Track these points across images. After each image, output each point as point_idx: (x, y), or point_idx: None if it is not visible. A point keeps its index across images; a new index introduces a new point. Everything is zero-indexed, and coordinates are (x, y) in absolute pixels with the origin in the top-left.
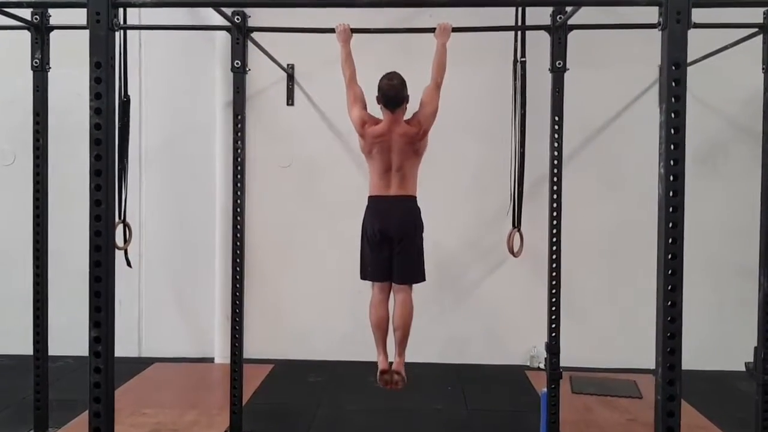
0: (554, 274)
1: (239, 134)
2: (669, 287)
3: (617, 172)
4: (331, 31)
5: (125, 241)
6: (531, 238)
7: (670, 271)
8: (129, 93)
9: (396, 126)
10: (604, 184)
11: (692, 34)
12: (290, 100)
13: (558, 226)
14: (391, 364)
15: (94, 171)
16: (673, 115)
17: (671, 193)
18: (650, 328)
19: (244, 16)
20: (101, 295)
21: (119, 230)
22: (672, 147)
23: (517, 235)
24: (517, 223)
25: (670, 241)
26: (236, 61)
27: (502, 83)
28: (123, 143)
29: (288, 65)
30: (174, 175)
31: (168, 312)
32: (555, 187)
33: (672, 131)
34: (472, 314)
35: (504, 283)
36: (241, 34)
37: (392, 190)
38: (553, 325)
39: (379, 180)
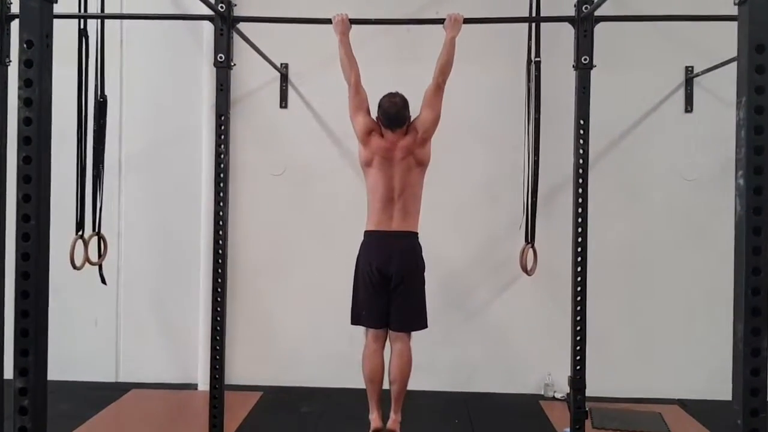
0: (579, 298)
1: (223, 137)
2: (750, 330)
3: (639, 182)
4: (328, 22)
5: (100, 255)
6: (545, 254)
7: (752, 310)
8: (106, 93)
9: (398, 139)
10: (625, 195)
11: None
12: (284, 102)
13: (584, 243)
14: (386, 421)
15: (22, 177)
16: (755, 112)
17: (754, 211)
18: (675, 353)
19: (230, 4)
20: (28, 326)
21: (93, 243)
22: (754, 152)
23: (530, 251)
24: (530, 238)
25: (752, 271)
26: (220, 55)
27: (514, 85)
28: (99, 147)
29: (281, 64)
30: (156, 182)
31: (148, 332)
32: (580, 200)
33: (754, 132)
34: (481, 337)
35: (516, 303)
36: (225, 24)
37: (393, 224)
38: (578, 357)
39: (380, 212)
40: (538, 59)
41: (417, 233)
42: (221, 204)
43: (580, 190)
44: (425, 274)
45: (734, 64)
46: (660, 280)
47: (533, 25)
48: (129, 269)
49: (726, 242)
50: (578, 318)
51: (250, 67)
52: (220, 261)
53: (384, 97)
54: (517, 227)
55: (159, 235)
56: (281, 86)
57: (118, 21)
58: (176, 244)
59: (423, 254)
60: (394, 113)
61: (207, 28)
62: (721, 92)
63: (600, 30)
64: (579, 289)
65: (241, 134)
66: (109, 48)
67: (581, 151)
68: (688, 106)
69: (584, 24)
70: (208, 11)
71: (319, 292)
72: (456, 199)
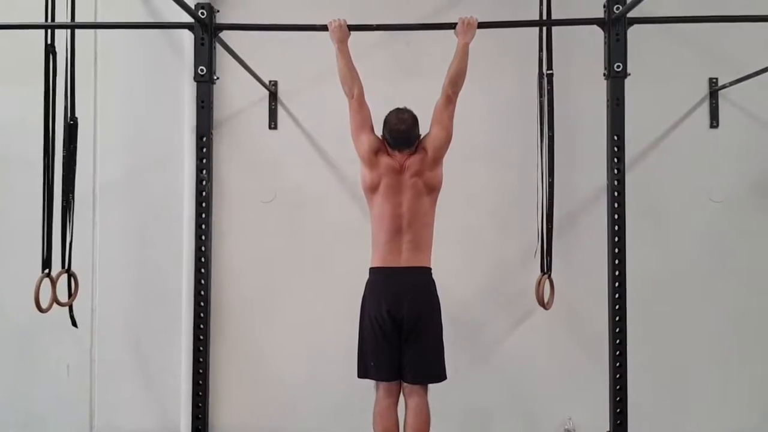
0: (618, 341)
1: (204, 160)
2: None
3: (662, 204)
4: (323, 29)
5: (70, 295)
6: (563, 285)
7: None
8: (78, 115)
9: (405, 161)
10: (646, 218)
11: None
12: (273, 122)
13: (622, 277)
14: None
15: None
16: None
17: None
18: (708, 392)
19: (211, 10)
20: None
21: (62, 282)
22: None
23: (547, 282)
24: (546, 268)
25: None
26: (200, 68)
27: (525, 100)
28: (68, 175)
29: (270, 82)
30: (135, 213)
31: (126, 378)
32: (617, 227)
33: None
34: (493, 378)
35: (531, 340)
36: (206, 33)
37: (403, 258)
38: (619, 410)
39: (386, 245)
40: (550, 72)
41: (430, 269)
42: (203, 237)
43: (616, 216)
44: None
45: (763, 76)
46: (685, 310)
47: (544, 35)
48: (104, 309)
49: (758, 269)
50: (618, 364)
51: (236, 84)
52: (202, 303)
53: (391, 113)
54: (532, 255)
55: (138, 271)
56: (270, 105)
57: (91, 35)
58: (157, 281)
59: (437, 292)
60: (403, 132)
61: (189, 41)
62: (749, 106)
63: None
64: (618, 330)
65: (227, 158)
66: (81, 64)
67: (616, 171)
68: (714, 121)
69: (616, 27)
70: (187, 18)
71: (316, 332)
72: (462, 224)
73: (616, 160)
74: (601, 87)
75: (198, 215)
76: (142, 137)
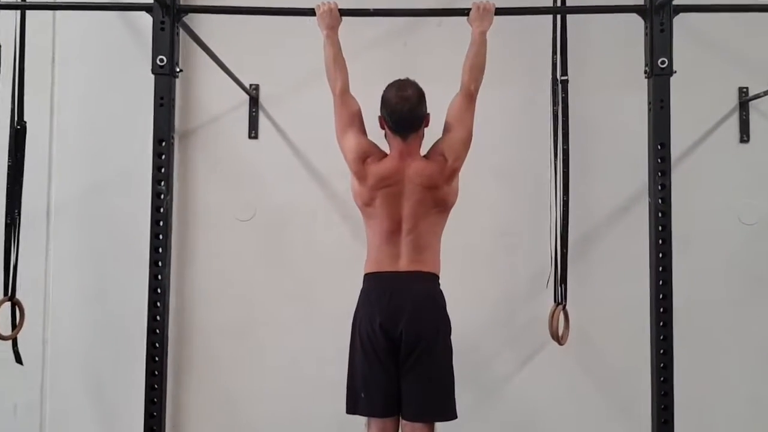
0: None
1: (163, 170)
2: None
3: (688, 226)
4: (310, 13)
5: (14, 327)
6: (579, 317)
7: None
8: (32, 122)
9: (411, 160)
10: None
11: None
12: (253, 131)
13: (667, 315)
14: None
15: None
16: None
17: None
18: None
19: None
20: None
21: (5, 312)
22: None
23: (561, 314)
24: (560, 297)
25: None
26: (159, 57)
27: (536, 109)
28: (14, 189)
29: (251, 86)
30: (95, 233)
31: (82, 417)
32: (661, 254)
33: None
34: (502, 421)
35: (543, 378)
36: (167, 16)
37: (402, 262)
38: None
39: (383, 246)
40: (565, 77)
41: (437, 275)
42: (159, 263)
43: (661, 241)
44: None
45: None
46: (714, 340)
47: (558, 36)
48: (58, 342)
49: None
50: (663, 406)
51: (212, 87)
52: (157, 344)
53: (390, 88)
54: (544, 283)
55: (97, 298)
56: (250, 112)
57: (49, 36)
58: (118, 310)
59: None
60: (406, 114)
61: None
62: None
63: (630, 43)
64: (663, 379)
65: (200, 170)
66: (39, 68)
67: (661, 187)
68: (744, 135)
69: (660, 15)
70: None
71: (300, 369)
72: (466, 247)
73: (660, 174)
74: (620, 94)
75: (154, 236)
76: (106, 146)
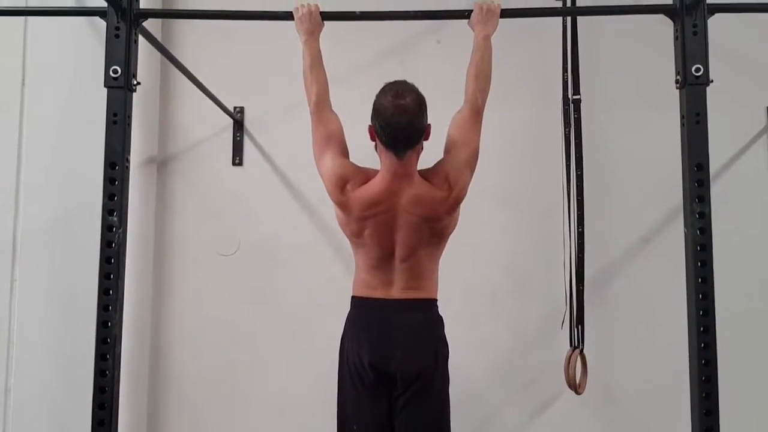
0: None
1: (115, 198)
2: None
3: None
4: (287, 17)
5: None
6: (598, 363)
7: None
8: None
9: (406, 184)
10: None
11: None
12: (237, 157)
13: (711, 368)
14: None
15: None
16: None
17: None
18: None
19: None
20: None
21: None
22: None
23: (578, 359)
24: (577, 341)
25: None
26: (113, 68)
27: (546, 132)
28: None
29: (235, 108)
30: (62, 268)
31: None
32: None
33: None
34: None
35: (559, 431)
36: (123, 21)
37: (395, 289)
38: None
39: (374, 272)
40: (578, 97)
41: (434, 300)
42: (110, 309)
43: (701, 280)
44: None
45: None
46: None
47: (569, 52)
48: (23, 390)
49: None
50: None
51: (193, 110)
52: (105, 405)
53: (384, 93)
54: (558, 325)
55: (66, 342)
56: (234, 136)
57: (19, 57)
58: (86, 355)
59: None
60: (404, 125)
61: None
62: None
63: (650, 54)
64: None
65: (180, 200)
66: (8, 90)
67: (699, 215)
68: None
69: (692, 15)
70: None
71: (286, 415)
72: (470, 283)
73: (698, 200)
74: (639, 112)
75: (103, 276)
76: (76, 175)
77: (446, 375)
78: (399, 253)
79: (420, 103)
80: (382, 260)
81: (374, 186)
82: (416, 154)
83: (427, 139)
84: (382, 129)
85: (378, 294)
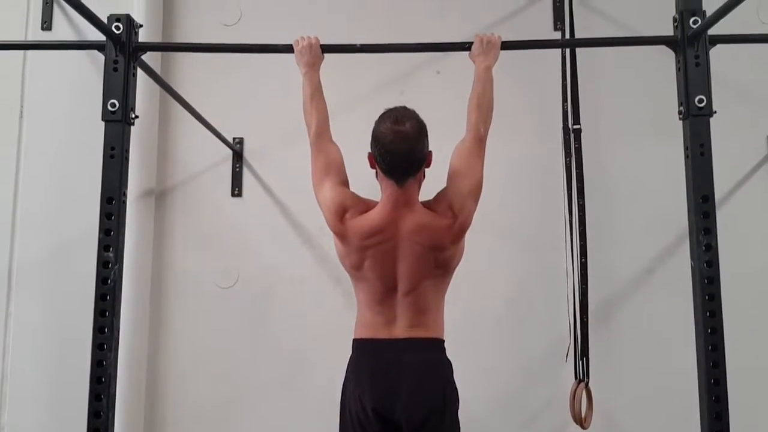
0: None
1: (112, 233)
2: None
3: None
4: (288, 50)
5: None
6: (604, 396)
7: None
8: None
9: (407, 211)
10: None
11: None
12: (237, 188)
13: (721, 405)
14: None
15: None
16: None
17: None
18: None
19: (130, 24)
20: None
21: None
22: None
23: (583, 393)
24: (582, 374)
25: None
26: (111, 101)
27: (547, 162)
28: None
29: (234, 139)
30: (58, 303)
31: None
32: (710, 329)
33: None
34: None
35: None
36: (122, 54)
37: (399, 327)
38: None
39: (376, 308)
40: (578, 126)
41: (442, 340)
42: (105, 347)
43: (709, 313)
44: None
45: None
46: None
47: (568, 82)
48: (16, 427)
49: None
50: None
51: (191, 140)
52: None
53: (383, 119)
54: (562, 357)
55: (59, 378)
56: (234, 167)
57: (17, 89)
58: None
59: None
60: (403, 156)
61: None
62: None
63: (651, 83)
64: None
65: (179, 232)
66: (6, 122)
67: (705, 248)
68: None
69: (694, 46)
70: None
71: None
72: (472, 315)
73: (704, 232)
74: (641, 142)
75: (98, 313)
76: (74, 206)
77: (456, 424)
78: (402, 286)
79: (420, 129)
80: (385, 295)
81: (375, 215)
82: (417, 182)
83: (428, 166)
84: (382, 156)
85: (381, 334)
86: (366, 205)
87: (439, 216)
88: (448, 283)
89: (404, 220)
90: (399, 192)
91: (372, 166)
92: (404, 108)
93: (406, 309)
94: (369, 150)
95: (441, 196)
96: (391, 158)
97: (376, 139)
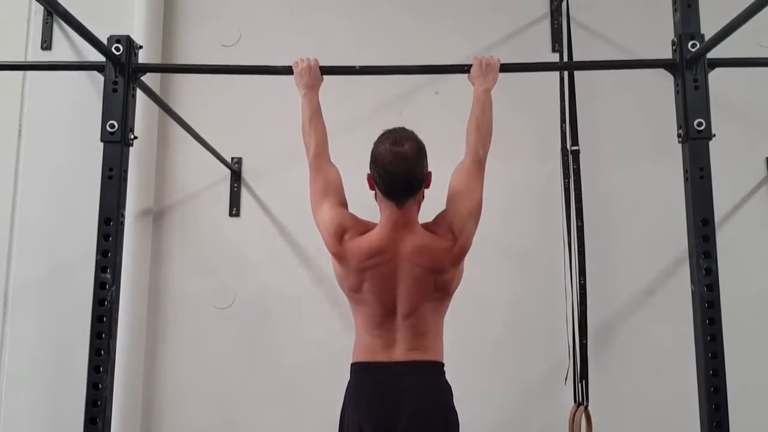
0: None
1: (109, 255)
2: None
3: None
4: (287, 72)
5: None
6: (604, 419)
7: None
8: None
9: (407, 233)
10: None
11: None
12: (235, 208)
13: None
14: None
15: None
16: None
17: None
18: None
19: (130, 46)
20: None
21: None
22: None
23: (582, 416)
24: (582, 397)
25: None
26: (110, 122)
27: (546, 183)
28: None
29: (232, 159)
30: (54, 323)
31: None
32: (710, 354)
33: None
34: None
35: None
36: (121, 75)
37: (398, 350)
38: None
39: (375, 331)
40: (576, 148)
41: (441, 363)
42: (101, 370)
43: (710, 338)
44: None
45: None
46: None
47: (566, 103)
48: None
49: None
50: None
51: (189, 160)
52: None
53: (382, 140)
54: (561, 380)
55: (55, 400)
56: (232, 187)
57: (16, 108)
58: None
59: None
60: (402, 176)
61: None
62: None
63: (649, 105)
64: None
65: (176, 252)
66: (4, 140)
67: (706, 272)
68: None
69: (693, 70)
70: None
71: None
72: (471, 338)
73: (704, 255)
74: (639, 163)
75: (95, 335)
76: (72, 227)
77: None
78: (401, 308)
79: (419, 150)
80: (384, 317)
81: (374, 236)
82: (417, 203)
83: (428, 187)
84: (381, 177)
85: (380, 357)
86: (365, 227)
87: (439, 238)
88: (447, 306)
89: (404, 242)
90: (398, 213)
91: (371, 188)
92: (403, 129)
93: (406, 332)
94: (368, 171)
95: (441, 218)
96: (390, 179)
97: (375, 160)
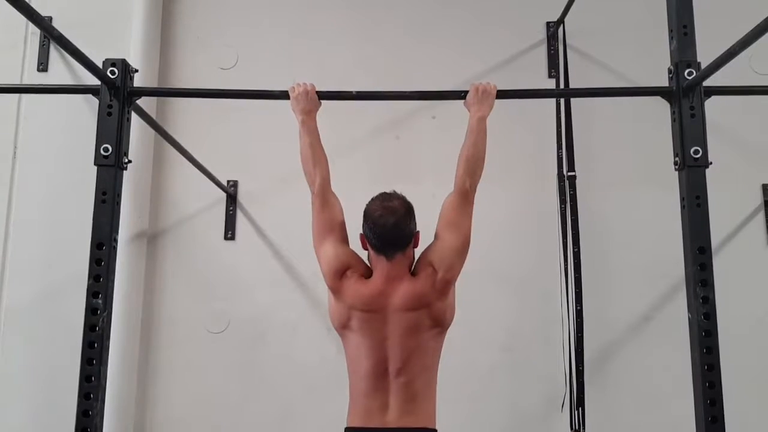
0: None
1: (101, 279)
2: None
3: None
4: (283, 96)
5: None
6: None
7: None
8: None
9: (398, 283)
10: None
11: None
12: (230, 231)
13: None
14: None
15: None
16: None
17: None
18: None
19: (125, 70)
20: None
21: None
22: None
23: None
24: (578, 424)
25: None
26: (104, 146)
27: (542, 209)
28: None
29: (228, 182)
30: (46, 347)
31: None
32: (708, 383)
33: None
34: None
35: None
36: (116, 99)
37: (392, 414)
38: None
39: (370, 393)
40: (573, 173)
41: (435, 430)
42: (91, 397)
43: (707, 367)
44: None
45: None
46: None
47: (563, 129)
48: None
49: None
50: None
51: (185, 183)
52: None
53: (373, 201)
54: (557, 407)
55: (47, 425)
56: (227, 210)
57: (11, 130)
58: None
59: None
60: (390, 228)
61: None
62: None
63: (645, 131)
64: None
65: (170, 275)
66: None
67: (703, 300)
68: None
69: (689, 98)
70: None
71: None
72: (467, 364)
73: (701, 284)
74: (636, 189)
75: (85, 362)
76: (67, 247)
77: None
78: (393, 362)
79: (407, 207)
80: (377, 377)
81: (369, 285)
82: (406, 258)
83: (416, 246)
84: (371, 230)
85: (374, 422)
86: (365, 268)
87: (422, 278)
88: (440, 352)
89: (394, 294)
90: (389, 266)
91: (364, 247)
92: (393, 191)
93: (399, 394)
94: (360, 231)
95: (425, 254)
96: (380, 230)
97: (366, 215)
